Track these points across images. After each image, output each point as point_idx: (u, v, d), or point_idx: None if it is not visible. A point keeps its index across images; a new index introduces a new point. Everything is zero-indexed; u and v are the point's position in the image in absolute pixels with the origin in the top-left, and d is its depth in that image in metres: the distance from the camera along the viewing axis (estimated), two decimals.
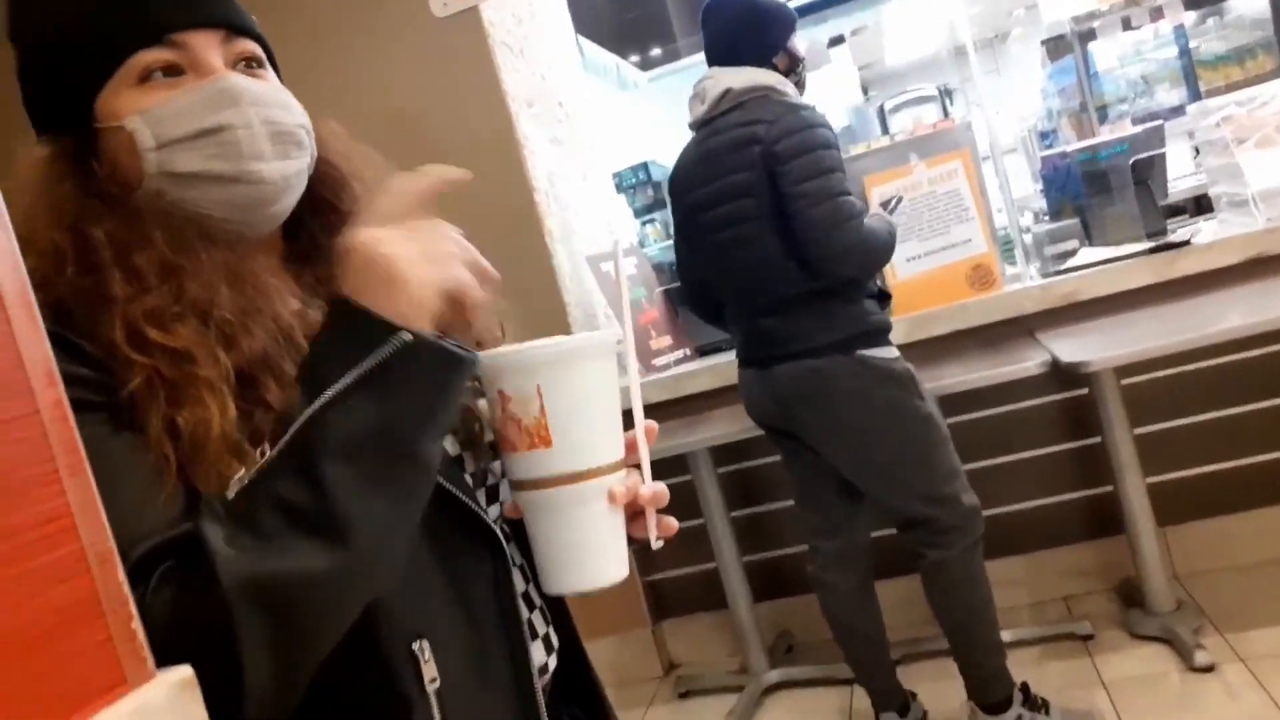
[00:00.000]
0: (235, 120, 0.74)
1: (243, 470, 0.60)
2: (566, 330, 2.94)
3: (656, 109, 5.83)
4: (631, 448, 0.76)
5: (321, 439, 0.58)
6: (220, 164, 0.74)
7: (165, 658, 0.53)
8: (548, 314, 2.90)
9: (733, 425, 2.63)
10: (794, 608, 3.01)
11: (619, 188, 4.62)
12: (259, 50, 0.80)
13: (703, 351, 3.15)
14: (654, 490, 0.75)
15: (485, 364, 0.72)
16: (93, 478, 0.42)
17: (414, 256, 0.63)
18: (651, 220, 6.12)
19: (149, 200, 0.74)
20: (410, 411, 0.62)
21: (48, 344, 0.41)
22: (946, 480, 2.14)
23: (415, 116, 2.87)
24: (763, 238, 2.13)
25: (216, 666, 0.54)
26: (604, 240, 3.39)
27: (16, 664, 0.37)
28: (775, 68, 2.23)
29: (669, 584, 3.15)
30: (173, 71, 0.75)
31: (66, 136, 0.75)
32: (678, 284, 3.22)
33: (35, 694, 0.37)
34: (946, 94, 5.43)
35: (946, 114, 5.25)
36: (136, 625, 0.42)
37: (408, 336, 0.60)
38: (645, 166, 5.90)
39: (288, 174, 0.77)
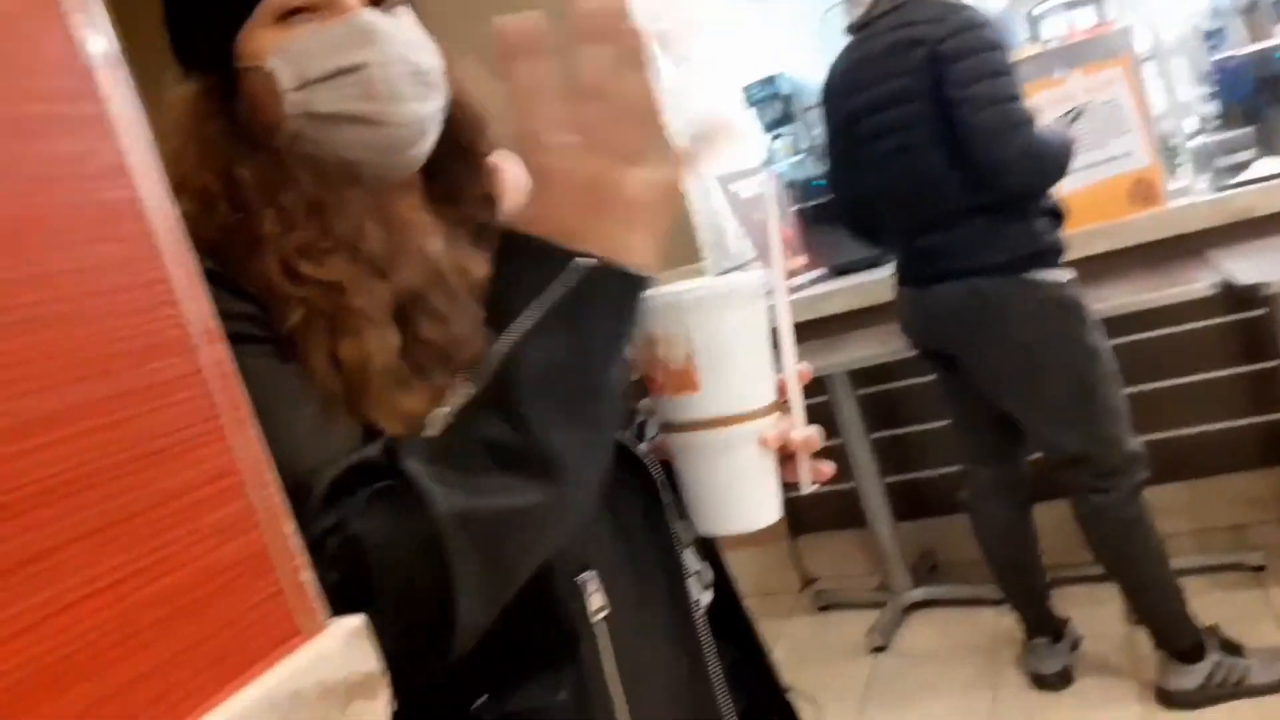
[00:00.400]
0: (371, 58, 0.73)
1: (434, 408, 0.59)
2: (696, 254, 2.91)
3: (786, 17, 5.63)
4: (783, 391, 0.75)
5: (520, 376, 0.57)
6: (359, 104, 0.73)
7: (378, 584, 0.56)
8: (678, 236, 2.87)
9: (872, 348, 2.56)
10: (938, 528, 2.95)
11: (748, 102, 4.49)
12: None
13: (839, 271, 3.06)
14: (806, 435, 0.74)
15: None
16: (263, 418, 0.42)
17: (612, 178, 0.58)
18: (780, 135, 5.96)
19: (289, 142, 0.74)
20: (600, 340, 0.60)
21: (208, 301, 0.41)
22: (1111, 420, 2.01)
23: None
24: (926, 147, 2.01)
25: (426, 598, 0.57)
26: (738, 161, 3.31)
27: (191, 621, 0.37)
28: None
29: (806, 501, 3.12)
30: (310, 10, 0.74)
31: (211, 76, 0.75)
32: (813, 202, 3.14)
33: (212, 650, 0.38)
34: None
35: (1101, 17, 4.87)
36: (306, 577, 0.42)
37: (591, 262, 0.57)
38: (774, 80, 5.73)
39: (422, 116, 0.76)
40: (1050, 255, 2.01)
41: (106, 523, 0.35)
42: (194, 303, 0.40)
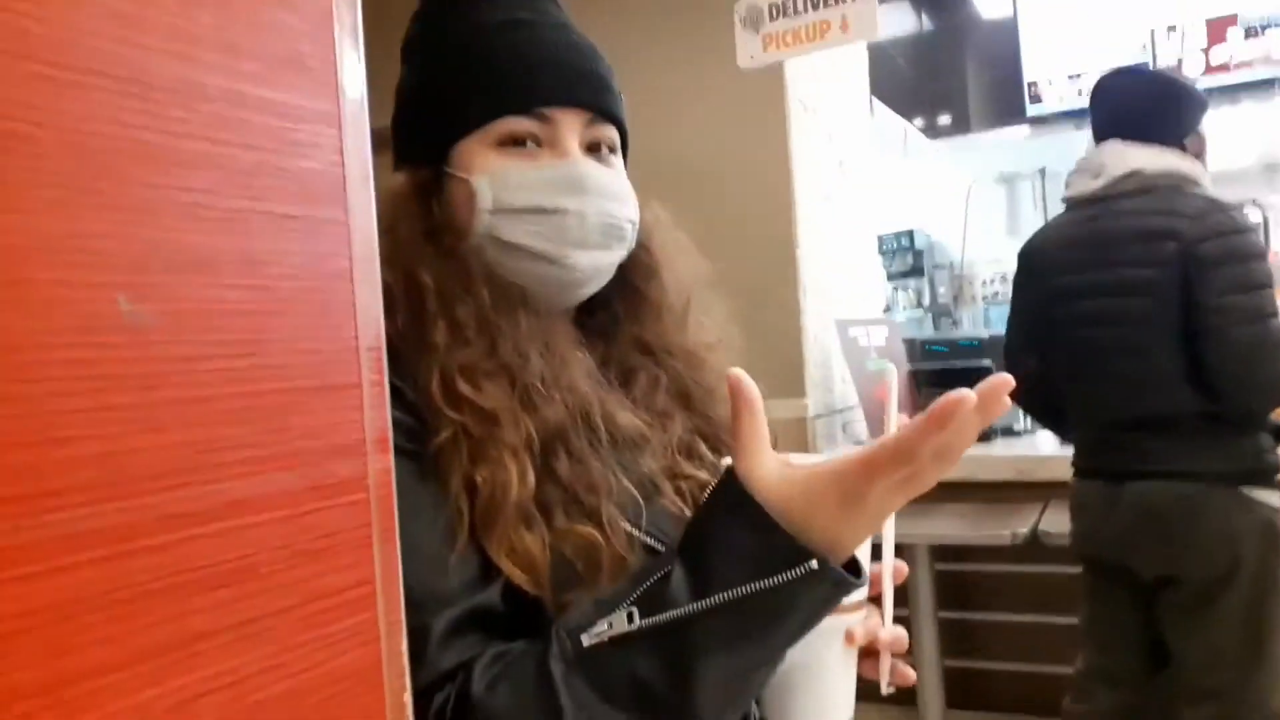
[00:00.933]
0: (572, 207, 0.75)
1: (601, 622, 0.59)
2: (800, 388, 2.89)
3: (935, 177, 5.69)
4: (876, 584, 0.72)
5: (703, 640, 0.57)
6: (543, 243, 0.75)
7: None
8: (787, 369, 2.87)
9: (960, 524, 2.50)
10: None
11: (879, 250, 4.53)
12: (616, 137, 0.81)
13: None
14: (894, 635, 0.72)
15: None
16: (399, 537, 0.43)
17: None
18: (905, 287, 5.98)
19: (473, 254, 0.75)
20: (790, 631, 0.59)
21: (389, 413, 0.42)
22: (1271, 669, 1.82)
23: (701, 160, 2.91)
24: (1155, 347, 1.86)
25: None
26: (856, 305, 3.31)
27: None
28: (1184, 151, 1.95)
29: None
30: (531, 143, 0.76)
31: (420, 173, 0.77)
32: (928, 365, 3.12)
33: None
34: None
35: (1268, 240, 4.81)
36: (408, 697, 0.43)
37: (815, 565, 0.56)
38: (910, 234, 5.78)
39: (600, 265, 0.78)
40: (1269, 474, 1.85)
41: (251, 617, 0.36)
42: (376, 410, 0.42)
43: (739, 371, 0.62)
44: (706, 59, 2.86)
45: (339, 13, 0.40)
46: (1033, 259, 2.12)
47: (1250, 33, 4.43)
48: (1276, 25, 4.43)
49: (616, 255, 0.79)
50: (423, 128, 0.79)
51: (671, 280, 0.85)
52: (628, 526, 0.69)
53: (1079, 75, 4.93)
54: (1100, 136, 2.02)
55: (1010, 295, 2.31)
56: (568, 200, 0.75)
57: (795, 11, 2.53)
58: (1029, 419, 3.20)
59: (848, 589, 0.58)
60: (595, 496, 0.68)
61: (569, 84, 0.77)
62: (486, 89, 0.76)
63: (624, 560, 0.66)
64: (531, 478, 0.67)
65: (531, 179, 0.75)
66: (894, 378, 0.77)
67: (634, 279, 0.83)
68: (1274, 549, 1.83)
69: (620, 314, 0.84)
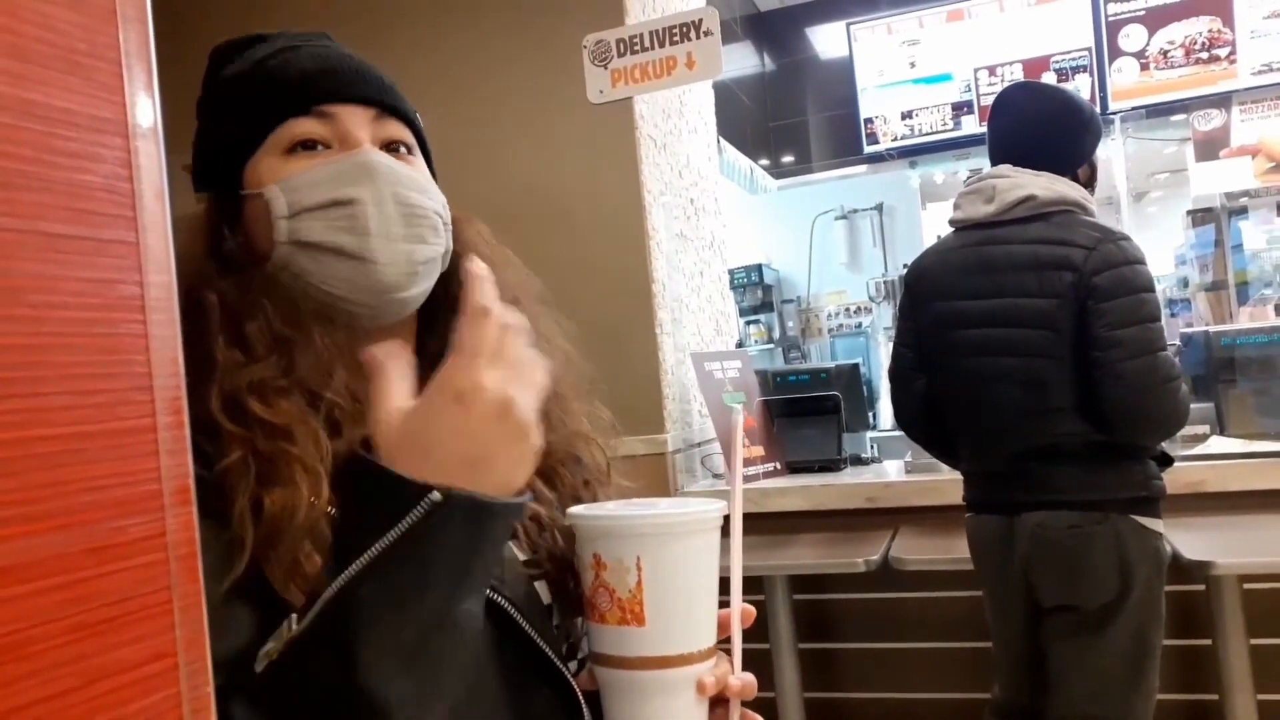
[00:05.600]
0: (367, 195, 0.72)
1: (269, 642, 0.56)
2: (660, 423, 2.89)
3: (780, 214, 5.86)
4: (724, 628, 0.71)
5: (353, 615, 0.54)
6: (345, 237, 0.71)
7: None
8: (646, 404, 2.86)
9: (814, 553, 2.53)
10: None
11: (731, 283, 4.62)
12: (409, 136, 0.79)
13: (793, 468, 3.06)
14: (744, 682, 0.70)
15: (582, 523, 0.67)
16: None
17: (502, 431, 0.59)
18: (756, 321, 6.11)
19: (275, 271, 0.72)
20: (445, 577, 0.56)
21: (189, 458, 0.37)
22: (1146, 697, 1.87)
23: (554, 194, 2.90)
24: (1047, 378, 1.85)
25: None
26: (710, 339, 3.35)
27: None
28: (1077, 179, 1.95)
29: None
30: (320, 145, 0.74)
31: (213, 198, 0.75)
32: (780, 396, 3.17)
33: None
34: None
35: None
36: None
37: (437, 496, 0.55)
38: (759, 268, 5.92)
39: (415, 259, 0.73)
40: (1155, 503, 1.88)
41: (20, 704, 0.30)
42: (174, 457, 0.37)
43: (477, 267, 0.63)
44: (559, 93, 2.85)
45: (122, 8, 0.35)
46: (920, 283, 2.08)
47: (1062, 75, 4.75)
48: (1084, 69, 4.77)
49: (431, 249, 0.75)
50: (211, 152, 0.76)
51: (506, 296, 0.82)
52: None
53: (911, 113, 5.18)
54: (995, 157, 2.01)
55: (895, 319, 2.27)
56: (359, 190, 0.72)
57: (642, 48, 2.55)
58: (875, 447, 3.31)
59: (490, 511, 0.57)
60: None
61: (347, 81, 0.76)
62: (266, 100, 0.74)
63: None
64: (326, 495, 0.62)
65: (321, 175, 0.72)
66: (740, 417, 0.78)
67: (460, 296, 0.80)
68: (1159, 576, 1.87)
69: (448, 335, 0.80)
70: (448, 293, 0.78)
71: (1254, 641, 2.37)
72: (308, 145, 0.74)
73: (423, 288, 0.76)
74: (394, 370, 0.61)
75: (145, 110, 0.36)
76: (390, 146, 0.77)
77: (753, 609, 0.74)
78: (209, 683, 0.37)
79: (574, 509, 0.71)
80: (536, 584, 0.74)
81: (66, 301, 0.33)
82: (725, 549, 0.71)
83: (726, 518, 0.71)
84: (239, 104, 0.75)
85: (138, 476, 0.35)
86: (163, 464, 0.36)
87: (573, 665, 0.75)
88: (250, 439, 0.62)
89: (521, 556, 0.73)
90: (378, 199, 0.72)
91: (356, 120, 0.75)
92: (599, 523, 0.66)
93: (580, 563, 0.68)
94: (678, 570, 0.65)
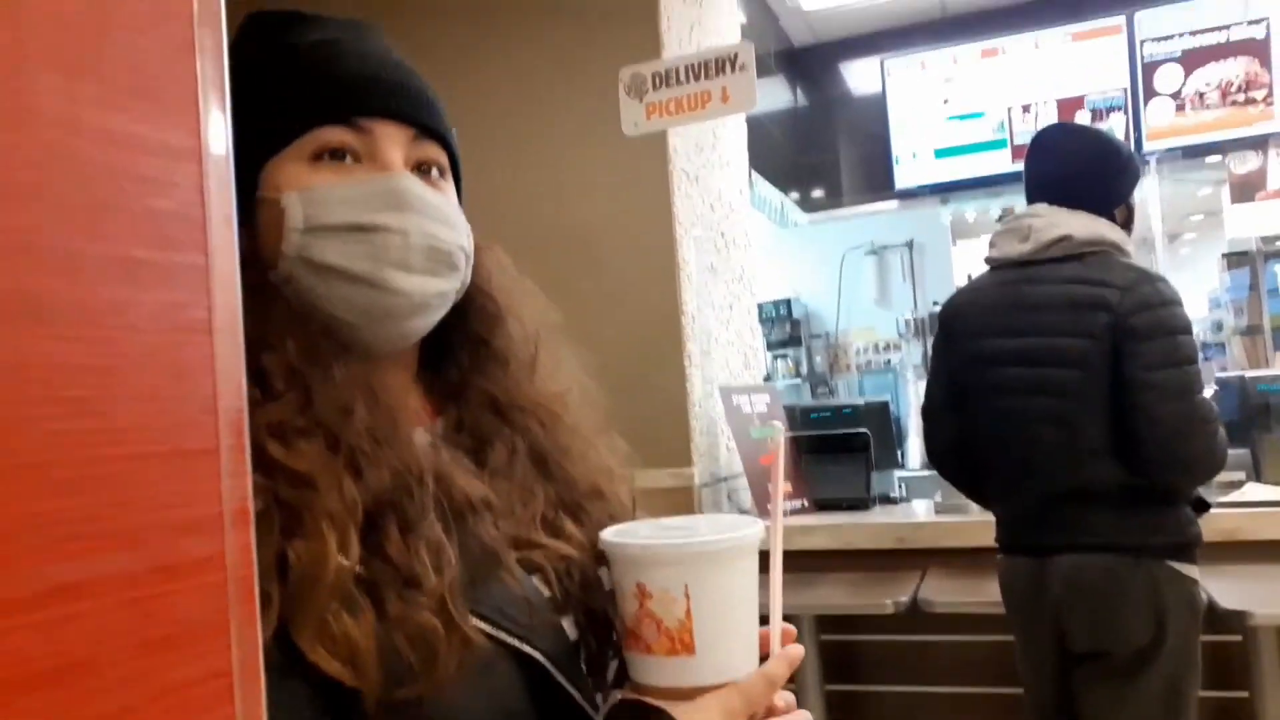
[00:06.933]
0: (393, 224, 0.68)
1: (374, 642, 0.56)
2: (687, 457, 2.89)
3: (810, 248, 5.86)
4: (765, 649, 0.70)
5: None
6: (360, 264, 0.67)
7: None
8: (673, 437, 2.86)
9: (842, 594, 2.50)
10: None
11: (760, 317, 4.62)
12: (444, 157, 0.75)
13: (820, 506, 3.04)
14: (788, 702, 0.70)
15: (623, 551, 0.65)
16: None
17: None
18: (784, 355, 6.10)
19: (284, 286, 0.68)
20: None
21: (248, 479, 0.38)
22: None
23: (586, 224, 2.92)
24: (1082, 419, 1.83)
25: None
26: (739, 372, 3.35)
27: None
28: (1113, 220, 1.94)
29: None
30: (349, 156, 0.70)
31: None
32: (808, 433, 3.15)
33: None
34: None
35: None
36: None
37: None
38: (788, 303, 5.92)
39: (428, 292, 0.70)
40: (1190, 549, 1.85)
41: (93, 716, 0.31)
42: (235, 479, 0.37)
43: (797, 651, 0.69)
44: (594, 126, 2.88)
45: (200, 40, 0.36)
46: (955, 321, 2.07)
47: (1096, 115, 4.75)
48: (1118, 108, 4.76)
49: (447, 285, 0.72)
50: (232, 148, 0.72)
51: (517, 328, 0.80)
52: (468, 612, 0.62)
53: (944, 151, 5.19)
54: (1032, 196, 2.01)
55: (930, 357, 2.26)
56: (388, 217, 0.68)
57: (677, 81, 2.58)
58: (904, 487, 3.28)
59: None
60: (434, 577, 0.61)
61: (388, 95, 0.71)
62: (299, 100, 0.69)
63: (463, 651, 0.60)
64: (356, 550, 0.59)
65: (348, 194, 0.68)
66: (782, 437, 0.77)
67: (477, 328, 0.78)
68: (1195, 623, 1.84)
69: (466, 367, 0.77)
70: (458, 324, 0.76)
71: None
72: (336, 154, 0.69)
73: (432, 320, 0.73)
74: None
75: (218, 138, 0.37)
76: (422, 167, 0.73)
77: (793, 628, 0.72)
78: (261, 702, 0.37)
79: (608, 534, 0.68)
80: (563, 620, 0.71)
81: (138, 324, 0.34)
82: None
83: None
84: (271, 99, 0.70)
85: (200, 497, 0.35)
86: (224, 486, 0.36)
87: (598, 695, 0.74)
88: (272, 487, 0.58)
89: (546, 593, 0.71)
90: (403, 230, 0.68)
91: (393, 139, 0.71)
92: (642, 551, 0.64)
93: (620, 591, 0.66)
94: (726, 595, 0.64)
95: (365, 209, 0.67)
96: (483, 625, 0.63)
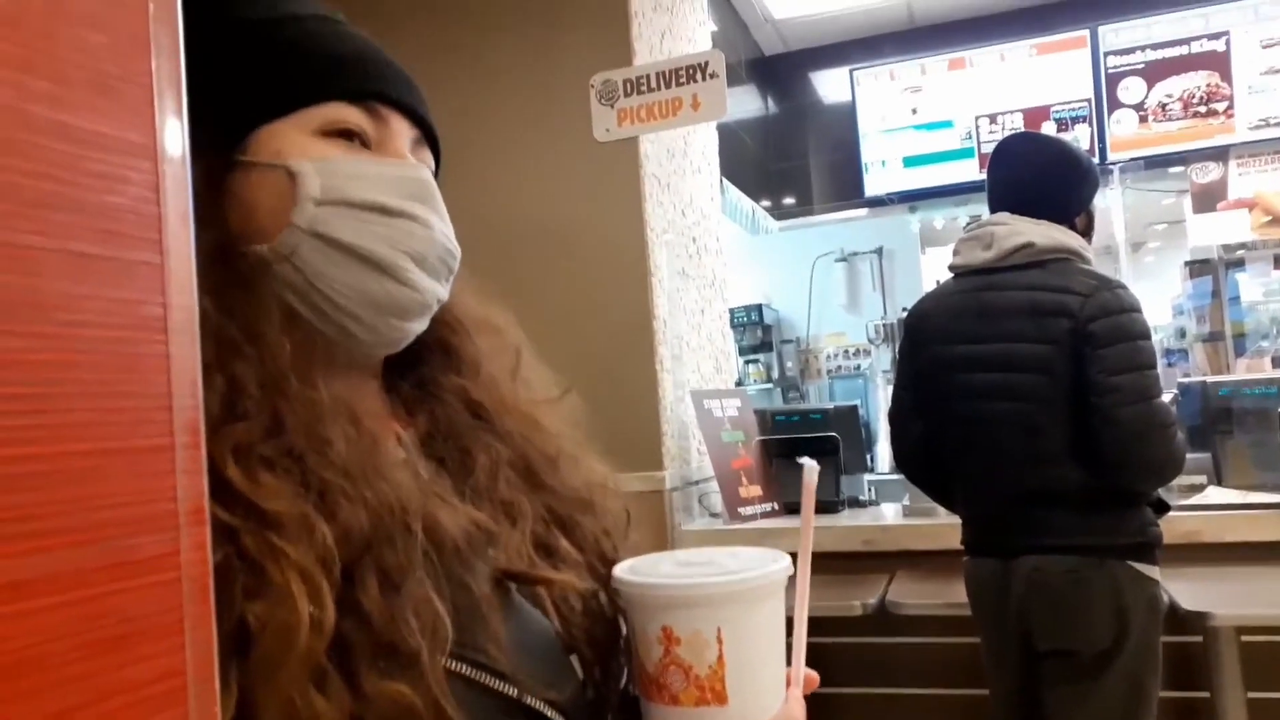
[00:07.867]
0: (419, 214, 0.64)
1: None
2: (658, 460, 2.89)
3: (781, 255, 5.89)
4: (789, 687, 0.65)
5: None
6: (378, 247, 0.62)
7: None
8: (645, 441, 2.86)
9: (812, 596, 2.50)
10: None
11: (732, 322, 4.64)
12: (433, 166, 0.73)
13: (790, 509, 3.05)
14: None
15: (645, 592, 0.58)
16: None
17: None
18: (755, 360, 6.12)
19: (274, 260, 0.61)
20: None
21: (204, 477, 0.38)
22: None
23: (558, 229, 2.92)
24: (1045, 423, 1.87)
25: None
26: (710, 377, 3.35)
27: None
28: (1074, 228, 1.99)
29: None
30: (358, 140, 0.65)
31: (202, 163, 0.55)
32: (778, 436, 3.17)
33: None
34: None
35: None
36: None
37: None
38: (760, 308, 5.95)
39: (434, 294, 0.67)
40: (1152, 550, 1.89)
41: (40, 716, 0.30)
42: (190, 476, 0.37)
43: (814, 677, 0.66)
44: (565, 131, 2.88)
45: (157, 37, 0.36)
46: (920, 327, 2.11)
47: (1062, 125, 4.81)
48: (1083, 119, 4.82)
49: (444, 293, 0.69)
50: (222, 100, 0.62)
51: (487, 340, 0.77)
52: (448, 662, 0.55)
53: (913, 159, 5.23)
54: (994, 204, 2.05)
55: (895, 362, 2.33)
56: (417, 207, 0.64)
57: (649, 88, 2.59)
58: (873, 490, 3.30)
59: None
60: (418, 642, 0.53)
61: (403, 87, 0.68)
62: (310, 70, 0.64)
63: (440, 713, 0.52)
64: (331, 616, 0.50)
65: (371, 172, 0.63)
66: (814, 475, 0.69)
67: (443, 334, 0.74)
68: (1156, 623, 1.88)
69: (436, 367, 0.73)
70: (433, 333, 0.72)
71: (1252, 695, 2.35)
72: (345, 135, 0.64)
73: (423, 326, 0.69)
74: None
75: (174, 136, 0.37)
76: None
77: (817, 675, 0.68)
78: (217, 703, 0.37)
79: (624, 574, 0.61)
80: (571, 657, 0.66)
81: (91, 320, 0.33)
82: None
83: None
84: (274, 63, 0.64)
85: (154, 495, 0.35)
86: (179, 483, 0.36)
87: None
88: (233, 528, 0.49)
89: (553, 631, 0.65)
90: (429, 225, 0.65)
91: (403, 131, 0.67)
92: (668, 591, 0.58)
93: (641, 636, 0.59)
94: (759, 637, 0.58)
95: (393, 192, 0.63)
96: (463, 669, 0.56)
